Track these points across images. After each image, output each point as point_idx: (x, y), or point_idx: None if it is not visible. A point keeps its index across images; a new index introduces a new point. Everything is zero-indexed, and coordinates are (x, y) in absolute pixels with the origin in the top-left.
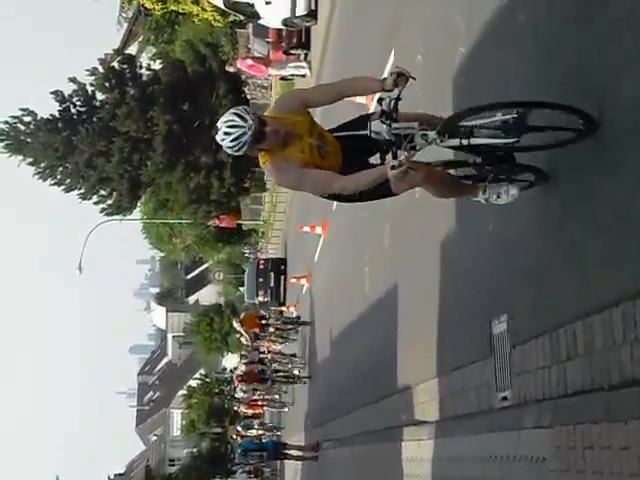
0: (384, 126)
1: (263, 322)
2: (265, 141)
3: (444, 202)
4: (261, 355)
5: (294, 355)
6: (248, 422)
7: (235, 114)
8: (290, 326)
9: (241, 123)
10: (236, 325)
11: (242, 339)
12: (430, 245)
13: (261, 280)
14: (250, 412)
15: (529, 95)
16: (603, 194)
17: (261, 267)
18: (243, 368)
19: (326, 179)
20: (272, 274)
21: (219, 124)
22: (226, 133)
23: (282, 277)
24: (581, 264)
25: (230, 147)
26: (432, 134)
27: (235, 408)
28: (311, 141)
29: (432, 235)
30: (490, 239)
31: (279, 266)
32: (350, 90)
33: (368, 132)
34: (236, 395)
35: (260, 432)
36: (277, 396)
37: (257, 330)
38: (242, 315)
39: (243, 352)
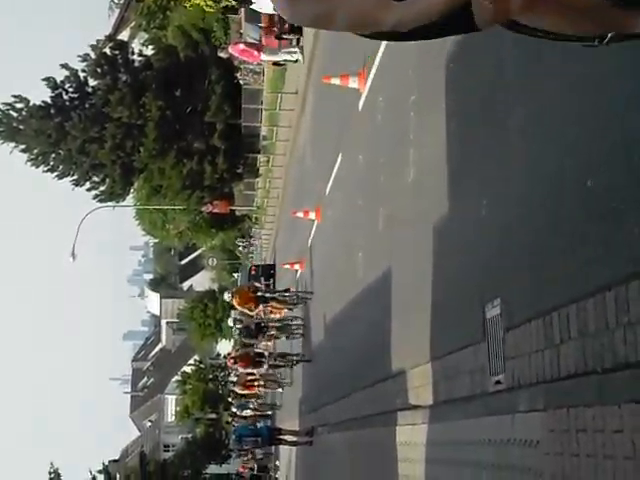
0: None
1: (258, 294)
2: None
3: (438, 184)
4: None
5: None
6: (243, 403)
7: None
8: (287, 294)
9: None
10: (228, 298)
11: (237, 314)
12: (423, 229)
13: None
14: (246, 392)
15: None
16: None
17: (252, 273)
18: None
19: (374, 6)
20: (262, 279)
21: None
22: None
23: (271, 280)
24: (574, 248)
25: None
26: None
27: (230, 390)
28: None
29: (426, 219)
30: (483, 223)
31: (269, 271)
32: None
33: None
34: (230, 379)
35: (257, 413)
36: (273, 378)
37: (252, 305)
38: (234, 289)
39: (237, 316)
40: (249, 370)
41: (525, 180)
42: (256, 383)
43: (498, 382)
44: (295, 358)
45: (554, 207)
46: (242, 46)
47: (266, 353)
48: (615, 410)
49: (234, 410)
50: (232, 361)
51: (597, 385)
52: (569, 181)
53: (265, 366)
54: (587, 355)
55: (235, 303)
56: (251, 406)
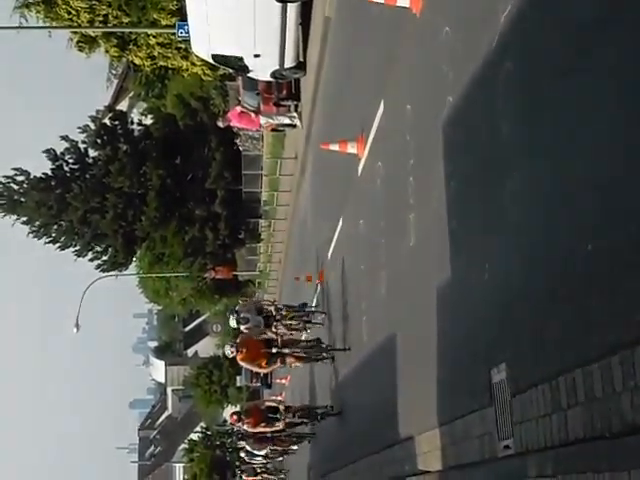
0: None
1: (273, 351)
2: None
3: (439, 248)
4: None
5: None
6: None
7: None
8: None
9: None
10: (230, 352)
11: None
12: (427, 293)
13: None
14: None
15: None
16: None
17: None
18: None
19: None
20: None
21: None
22: None
23: None
24: (578, 312)
25: None
26: None
27: (238, 448)
28: None
29: (428, 283)
30: (486, 287)
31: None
32: None
33: None
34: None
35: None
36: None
37: (263, 361)
38: (239, 340)
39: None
40: (259, 429)
41: (526, 244)
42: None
43: (507, 447)
44: (320, 411)
45: (557, 271)
46: (239, 109)
47: (281, 407)
48: (624, 476)
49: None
50: (235, 418)
51: (606, 450)
52: (570, 245)
53: (280, 424)
54: (595, 420)
55: (239, 359)
56: (258, 469)
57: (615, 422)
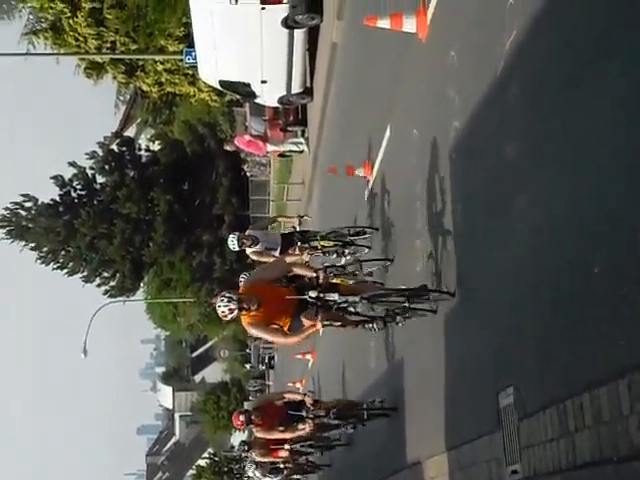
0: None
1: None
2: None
3: (446, 274)
4: None
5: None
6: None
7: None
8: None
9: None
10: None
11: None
12: (435, 318)
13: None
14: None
15: None
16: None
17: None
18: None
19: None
20: None
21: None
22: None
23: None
24: (585, 336)
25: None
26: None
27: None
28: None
29: (430, 314)
30: (493, 311)
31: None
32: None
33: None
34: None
35: None
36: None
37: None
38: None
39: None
40: (275, 436)
41: (532, 268)
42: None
43: (514, 472)
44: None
45: (564, 294)
46: (248, 137)
47: (308, 401)
48: None
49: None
50: (242, 419)
51: (614, 474)
52: (578, 265)
53: (307, 426)
54: (602, 443)
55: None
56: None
57: (623, 446)
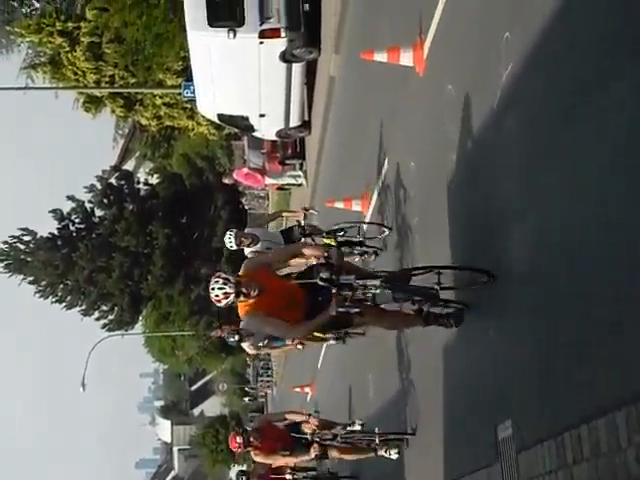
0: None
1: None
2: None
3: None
4: None
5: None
6: None
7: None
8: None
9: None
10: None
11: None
12: (434, 350)
13: None
14: None
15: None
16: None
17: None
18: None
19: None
20: None
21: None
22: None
23: None
24: (582, 369)
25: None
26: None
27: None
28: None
29: (435, 341)
30: (491, 345)
31: None
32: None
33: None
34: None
35: None
36: None
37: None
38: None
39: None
40: (278, 461)
41: (530, 296)
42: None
43: None
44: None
45: (561, 328)
46: (246, 170)
47: (313, 423)
48: None
49: None
50: (239, 441)
51: None
52: (575, 299)
53: (312, 451)
54: (600, 475)
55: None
56: None
57: (621, 477)
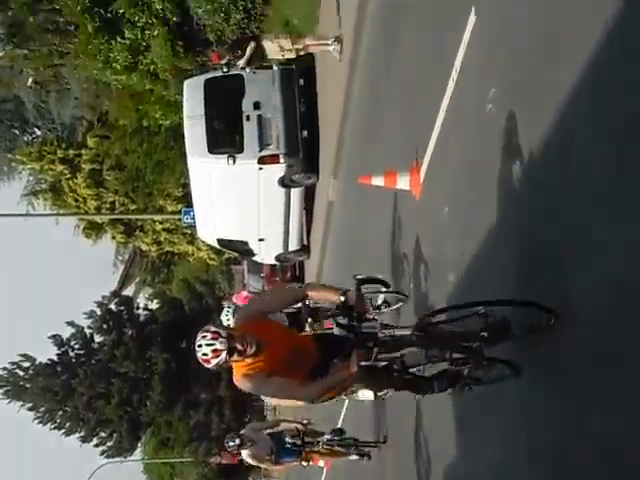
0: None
1: None
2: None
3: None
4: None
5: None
6: None
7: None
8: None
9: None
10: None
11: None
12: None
13: None
14: None
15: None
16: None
17: None
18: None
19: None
20: None
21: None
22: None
23: None
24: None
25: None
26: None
27: None
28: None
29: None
30: (488, 463)
31: None
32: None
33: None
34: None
35: None
36: None
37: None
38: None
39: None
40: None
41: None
42: None
43: None
44: None
45: (557, 450)
46: (245, 294)
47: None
48: None
49: None
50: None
51: None
52: (572, 417)
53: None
54: None
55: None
56: None
57: None
